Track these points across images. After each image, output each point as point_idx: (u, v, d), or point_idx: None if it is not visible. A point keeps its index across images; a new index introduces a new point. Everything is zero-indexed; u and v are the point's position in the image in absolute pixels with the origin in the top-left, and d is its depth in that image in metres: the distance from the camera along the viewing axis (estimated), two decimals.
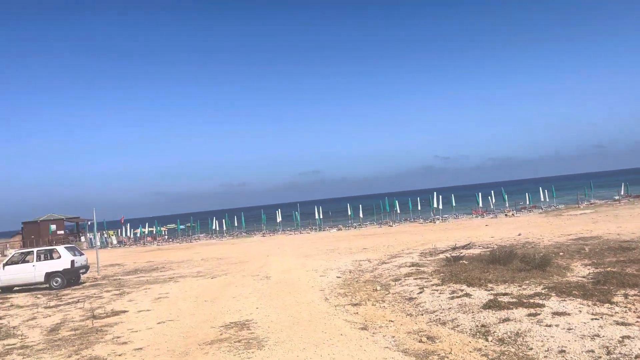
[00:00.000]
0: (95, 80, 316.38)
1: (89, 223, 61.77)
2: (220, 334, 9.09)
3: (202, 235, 60.45)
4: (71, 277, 20.68)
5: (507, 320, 7.87)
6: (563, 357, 6.28)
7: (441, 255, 18.53)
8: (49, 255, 21.39)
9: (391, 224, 51.59)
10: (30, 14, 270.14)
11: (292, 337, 8.35)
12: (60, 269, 20.18)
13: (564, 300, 8.89)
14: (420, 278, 13.16)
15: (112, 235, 63.68)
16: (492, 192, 57.13)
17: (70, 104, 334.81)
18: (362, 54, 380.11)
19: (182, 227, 64.58)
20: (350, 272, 16.69)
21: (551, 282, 10.88)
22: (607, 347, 6.36)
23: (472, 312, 8.66)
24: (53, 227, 62.62)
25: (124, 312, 12.67)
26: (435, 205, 53.70)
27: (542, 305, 8.52)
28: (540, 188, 58.14)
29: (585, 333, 6.95)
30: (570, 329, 7.19)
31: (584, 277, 11.51)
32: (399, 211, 57.10)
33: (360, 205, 58.81)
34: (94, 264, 25.36)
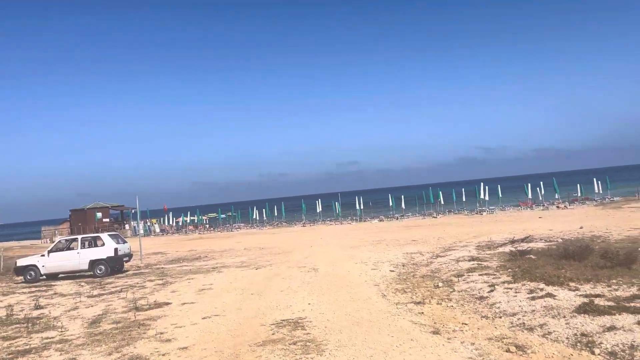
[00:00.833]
0: (143, 71, 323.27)
1: (133, 211, 62.73)
2: (272, 334, 8.18)
3: (242, 224, 60.31)
4: (115, 265, 20.38)
5: (612, 328, 6.61)
6: None
7: (501, 249, 17.16)
8: (93, 242, 21.16)
9: (435, 215, 49.94)
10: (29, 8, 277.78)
11: (355, 341, 7.34)
12: (104, 257, 19.89)
13: None
14: (486, 274, 11.92)
15: (155, 223, 64.46)
16: (542, 183, 54.57)
17: (115, 96, 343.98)
18: (400, 45, 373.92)
19: (223, 216, 64.62)
20: (403, 266, 15.56)
21: None
22: None
23: (564, 317, 7.41)
24: (99, 214, 63.93)
25: (167, 304, 11.98)
26: (482, 196, 51.73)
27: None
28: (594, 179, 55.15)
29: None
30: None
31: None
32: (442, 202, 55.33)
33: (403, 196, 57.32)
34: (138, 252, 25.14)
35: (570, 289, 9.21)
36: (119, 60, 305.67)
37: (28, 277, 19.41)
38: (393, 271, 14.54)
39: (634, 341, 6.09)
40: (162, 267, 21.20)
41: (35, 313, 12.07)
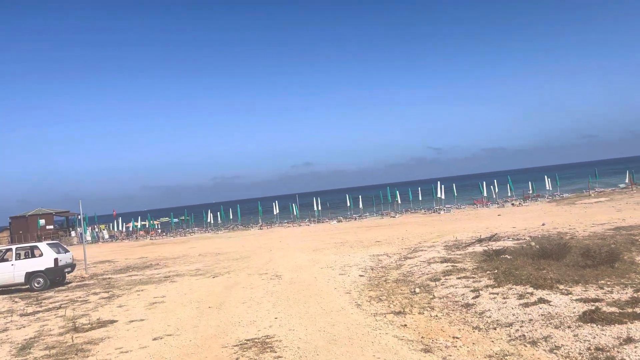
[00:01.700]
0: (84, 73, 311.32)
1: (79, 217, 59.46)
2: (237, 358, 6.99)
3: (196, 228, 58.24)
4: (55, 277, 18.50)
5: (630, 340, 5.81)
6: None
7: (470, 249, 16.54)
8: (30, 253, 19.17)
9: (394, 215, 49.66)
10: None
11: None
12: (42, 269, 18.00)
13: None
14: (464, 277, 11.11)
15: (104, 229, 61.48)
16: (495, 181, 55.36)
17: (59, 96, 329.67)
18: (352, 47, 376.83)
19: (175, 220, 62.27)
20: (372, 270, 14.63)
21: (635, 282, 8.87)
22: None
23: (570, 327, 6.59)
24: (42, 221, 60.33)
25: (113, 322, 10.53)
26: (439, 195, 51.85)
27: None
28: (545, 176, 56.53)
29: None
30: None
31: None
32: (400, 202, 55.22)
33: (360, 196, 56.85)
34: (83, 261, 23.15)
35: (562, 293, 8.46)
36: (58, 58, 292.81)
37: None
38: (363, 276, 13.56)
39: None
40: (109, 278, 19.45)
41: None
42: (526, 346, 6.33)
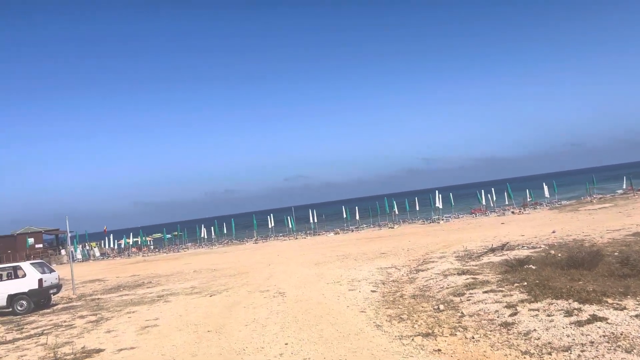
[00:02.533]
0: (71, 88, 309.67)
1: (70, 235, 57.85)
2: None
3: (190, 244, 56.79)
4: (40, 299, 17.20)
5: None
6: None
7: (486, 259, 15.48)
8: (13, 274, 17.85)
9: (392, 225, 48.60)
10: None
11: None
12: (26, 290, 16.71)
13: None
14: (491, 291, 10.02)
15: (95, 247, 59.95)
16: (493, 189, 54.59)
17: (47, 112, 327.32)
18: (342, 59, 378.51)
19: (168, 236, 60.79)
20: (384, 284, 13.51)
21: None
22: None
23: None
24: (31, 240, 58.61)
25: (99, 351, 9.31)
26: (437, 204, 50.89)
27: None
28: (544, 184, 55.84)
29: None
30: None
31: None
32: (397, 212, 54.21)
33: (357, 207, 55.79)
34: (75, 280, 21.78)
35: (614, 308, 7.40)
36: (46, 73, 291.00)
37: None
38: (375, 291, 12.43)
39: None
40: (98, 298, 18.16)
41: None
42: None
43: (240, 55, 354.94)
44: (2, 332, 13.14)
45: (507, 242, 19.23)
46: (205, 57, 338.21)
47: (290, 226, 54.74)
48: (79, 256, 55.76)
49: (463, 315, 8.60)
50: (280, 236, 53.66)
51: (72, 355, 9.16)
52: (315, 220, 54.94)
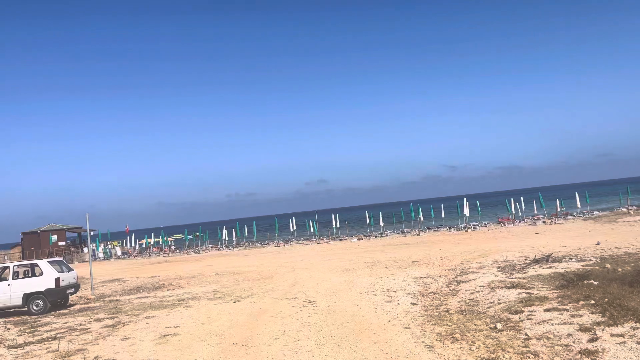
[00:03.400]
0: (100, 88, 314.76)
1: (92, 233, 57.89)
2: None
3: (211, 245, 56.22)
4: (56, 299, 16.51)
5: None
6: None
7: (532, 272, 14.19)
8: (30, 271, 17.24)
9: (417, 232, 47.21)
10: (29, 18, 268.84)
11: None
12: (42, 289, 16.03)
13: None
14: (553, 309, 8.81)
15: (117, 245, 59.95)
16: (522, 198, 52.81)
17: (75, 112, 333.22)
18: (367, 62, 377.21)
19: (190, 237, 60.30)
20: (423, 296, 12.35)
21: None
22: None
23: None
24: (54, 237, 58.89)
25: None
26: (465, 212, 49.27)
27: None
28: (577, 194, 53.82)
29: None
30: None
31: None
32: (422, 219, 52.73)
33: (380, 213, 54.54)
34: (94, 279, 21.10)
35: None
36: (73, 73, 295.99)
37: None
38: (415, 304, 11.29)
39: None
40: (117, 300, 17.38)
41: None
42: None
43: (266, 61, 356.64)
44: (14, 334, 12.38)
45: (551, 254, 17.86)
46: (231, 63, 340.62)
47: (312, 230, 53.75)
48: (101, 254, 55.69)
49: (528, 337, 7.42)
50: (302, 240, 52.73)
51: None
52: (338, 225, 53.89)
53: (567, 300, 9.43)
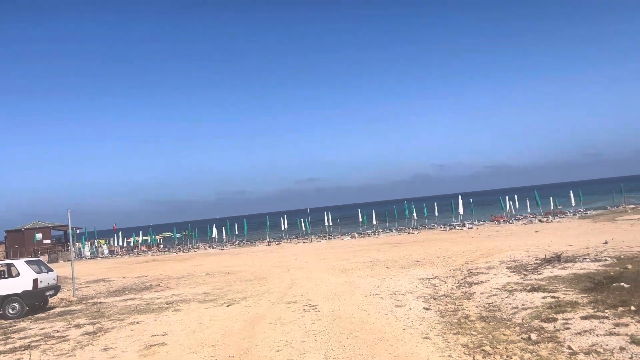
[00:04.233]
0: (85, 86, 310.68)
1: (78, 231, 56.33)
2: None
3: (200, 244, 54.93)
4: (34, 302, 15.29)
5: None
6: None
7: (547, 272, 13.24)
8: (6, 272, 15.98)
9: (412, 231, 46.34)
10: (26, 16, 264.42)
11: None
12: (19, 292, 14.82)
13: None
14: (591, 317, 7.83)
15: (104, 244, 58.45)
16: (516, 196, 52.16)
17: (61, 110, 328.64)
18: (355, 61, 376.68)
19: (178, 235, 58.96)
20: (435, 300, 11.34)
21: None
22: None
23: None
24: (39, 235, 57.28)
25: None
26: (460, 211, 48.47)
27: None
28: (571, 192, 53.39)
29: None
30: None
31: None
32: (416, 217, 51.87)
33: (374, 211, 53.57)
34: (77, 279, 19.81)
35: None
36: (59, 72, 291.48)
37: None
38: (428, 309, 10.27)
39: None
40: (100, 303, 16.18)
41: None
42: None
43: (253, 59, 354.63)
44: None
45: (561, 253, 16.94)
46: (218, 62, 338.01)
47: (304, 229, 52.70)
48: (87, 253, 54.21)
49: (573, 351, 6.42)
50: (294, 239, 51.69)
51: None
52: (330, 223, 52.92)
53: (601, 305, 8.46)
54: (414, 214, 51.06)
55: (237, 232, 55.93)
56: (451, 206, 50.73)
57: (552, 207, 52.19)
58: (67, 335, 10.87)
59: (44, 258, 46.77)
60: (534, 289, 10.68)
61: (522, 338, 7.33)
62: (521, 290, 10.85)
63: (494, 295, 10.87)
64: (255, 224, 76.47)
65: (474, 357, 6.62)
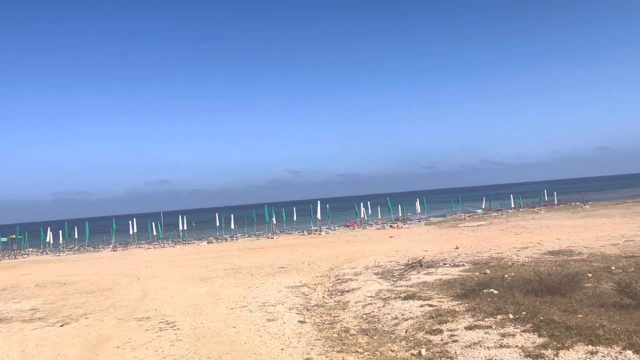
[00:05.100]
0: None
1: None
2: None
3: (31, 249, 48.15)
4: None
5: None
6: None
7: (415, 279, 13.22)
8: None
9: (272, 235, 45.71)
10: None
11: None
12: None
13: None
14: (475, 327, 7.54)
15: None
16: (369, 203, 54.64)
17: None
18: (209, 68, 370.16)
19: (4, 239, 51.08)
20: (308, 311, 10.45)
21: None
22: None
23: None
24: None
25: None
26: (317, 216, 49.15)
27: None
28: (417, 201, 57.32)
29: None
30: None
31: None
32: (275, 222, 51.50)
33: (232, 216, 51.97)
34: None
35: None
36: None
37: None
38: (304, 322, 9.33)
39: None
40: None
41: None
42: None
43: (109, 61, 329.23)
44: None
45: (422, 258, 17.35)
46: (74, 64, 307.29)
47: (155, 233, 49.04)
48: None
49: None
50: (144, 244, 47.84)
51: None
52: (185, 228, 50.17)
53: (480, 314, 8.28)
54: (274, 219, 50.59)
55: (77, 237, 50.10)
56: (310, 211, 51.21)
57: (400, 214, 55.59)
58: None
59: None
60: (408, 297, 10.36)
61: (412, 354, 6.72)
62: (395, 298, 10.48)
63: (369, 304, 10.34)
64: (99, 228, 69.91)
65: None
